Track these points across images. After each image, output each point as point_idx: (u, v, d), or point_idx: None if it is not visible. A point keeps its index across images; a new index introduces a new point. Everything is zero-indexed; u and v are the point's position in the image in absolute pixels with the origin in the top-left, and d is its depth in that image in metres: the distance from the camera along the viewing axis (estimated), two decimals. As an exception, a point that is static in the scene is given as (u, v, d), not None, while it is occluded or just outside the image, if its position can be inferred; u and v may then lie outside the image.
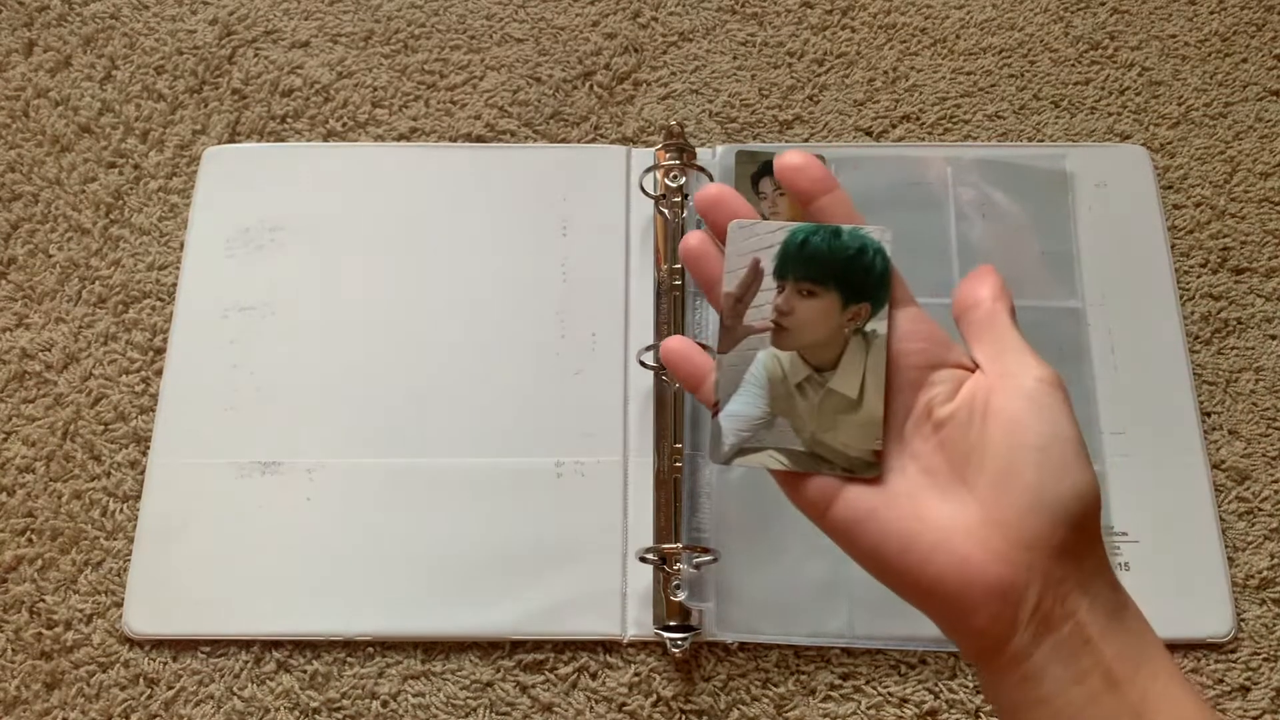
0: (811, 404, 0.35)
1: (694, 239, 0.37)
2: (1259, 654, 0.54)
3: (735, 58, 0.68)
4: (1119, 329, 0.60)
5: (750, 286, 0.36)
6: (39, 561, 0.56)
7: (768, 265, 0.36)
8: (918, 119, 0.66)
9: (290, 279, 0.62)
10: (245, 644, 0.54)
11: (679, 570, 0.53)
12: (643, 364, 0.58)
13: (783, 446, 0.35)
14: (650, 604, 0.55)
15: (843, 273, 0.35)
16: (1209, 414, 0.59)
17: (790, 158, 0.36)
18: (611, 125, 0.66)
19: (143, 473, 0.58)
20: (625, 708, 0.53)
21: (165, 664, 0.54)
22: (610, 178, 0.64)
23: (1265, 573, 0.55)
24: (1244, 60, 0.68)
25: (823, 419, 0.35)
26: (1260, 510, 0.57)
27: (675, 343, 0.37)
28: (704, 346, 0.58)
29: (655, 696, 0.53)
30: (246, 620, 0.55)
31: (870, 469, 0.34)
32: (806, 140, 0.65)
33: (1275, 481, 0.58)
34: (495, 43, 0.69)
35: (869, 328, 0.35)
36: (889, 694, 0.53)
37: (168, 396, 0.59)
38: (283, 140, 0.66)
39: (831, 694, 0.53)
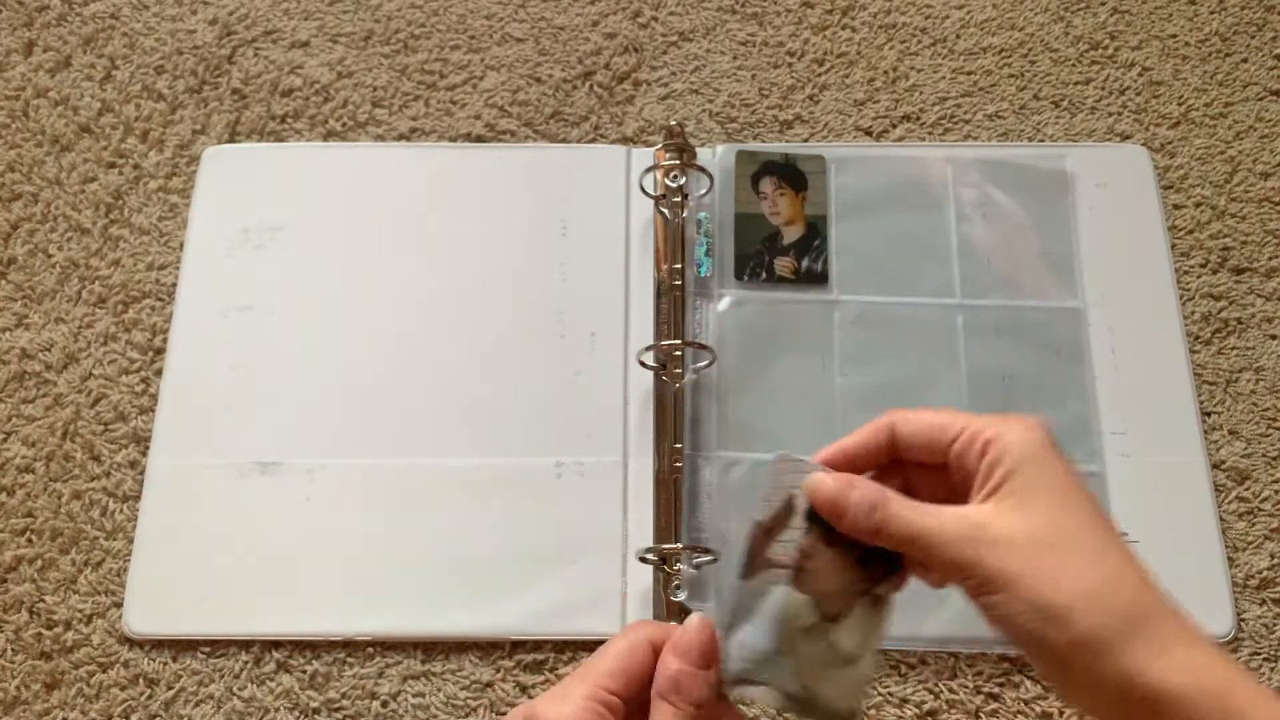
0: (813, 651, 0.35)
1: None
2: (1259, 654, 0.54)
3: (735, 57, 0.68)
4: (1119, 329, 0.60)
5: (782, 521, 0.36)
6: (39, 562, 0.56)
7: (800, 504, 0.36)
8: (918, 119, 0.66)
9: (290, 279, 0.62)
10: (245, 644, 0.54)
11: (679, 570, 0.53)
12: (643, 364, 0.58)
13: (780, 686, 0.35)
14: (650, 604, 0.54)
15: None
16: (1209, 414, 0.59)
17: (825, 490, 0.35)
18: (611, 125, 0.66)
19: (142, 473, 0.58)
20: (625, 708, 0.53)
21: (165, 664, 0.54)
22: (610, 178, 0.64)
23: (1265, 573, 0.55)
24: (1244, 60, 0.68)
25: (818, 669, 0.35)
26: (1260, 510, 0.57)
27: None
28: (702, 346, 0.58)
29: (655, 697, 0.53)
30: (246, 620, 0.55)
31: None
32: (807, 140, 0.65)
33: (1275, 481, 0.58)
34: (495, 43, 0.69)
35: (880, 590, 0.35)
36: (889, 694, 0.53)
37: (167, 396, 0.59)
38: (282, 140, 0.66)
39: (831, 694, 0.53)
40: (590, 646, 0.54)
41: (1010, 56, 0.68)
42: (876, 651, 0.35)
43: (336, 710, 0.53)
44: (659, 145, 0.64)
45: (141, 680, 0.54)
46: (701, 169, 0.62)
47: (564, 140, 0.66)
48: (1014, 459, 0.33)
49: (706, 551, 0.54)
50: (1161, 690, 0.29)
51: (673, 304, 0.59)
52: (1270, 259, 0.63)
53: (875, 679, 0.35)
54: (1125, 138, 0.66)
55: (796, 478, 0.36)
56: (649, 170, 0.62)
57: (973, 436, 0.34)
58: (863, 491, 0.34)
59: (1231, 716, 0.29)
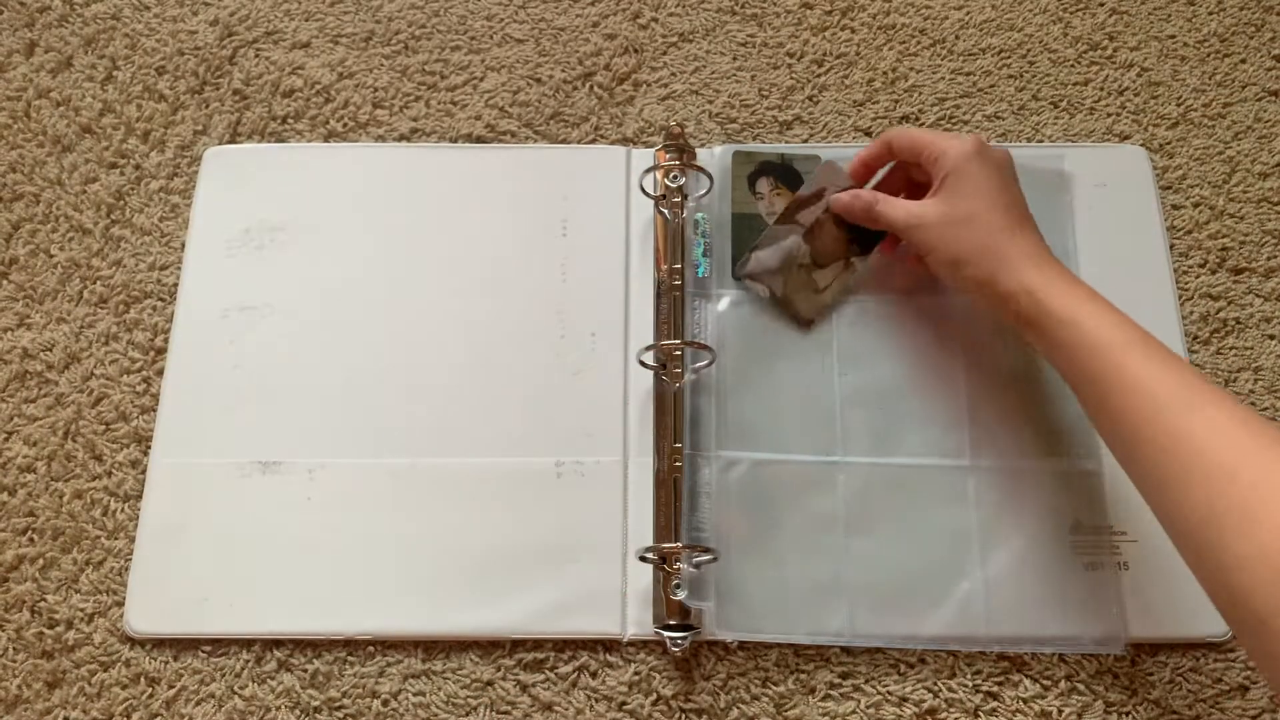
0: (799, 279, 0.59)
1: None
2: (1258, 653, 0.54)
3: (735, 58, 0.68)
4: (1118, 329, 0.60)
5: (813, 201, 0.59)
6: (40, 561, 0.56)
7: (828, 196, 0.58)
8: (917, 119, 0.66)
9: (291, 279, 0.62)
10: (246, 643, 0.55)
11: (679, 569, 0.54)
12: (643, 364, 0.58)
13: (771, 287, 0.59)
14: (650, 603, 0.55)
15: (860, 230, 0.58)
16: (1208, 414, 0.59)
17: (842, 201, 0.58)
18: (611, 126, 0.67)
19: (144, 472, 0.58)
20: (625, 706, 0.53)
21: (166, 663, 0.54)
22: (610, 178, 0.64)
23: (1264, 572, 0.55)
24: (1243, 61, 0.68)
25: (797, 289, 0.59)
26: (1259, 510, 0.57)
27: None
28: (703, 346, 0.58)
29: (655, 695, 0.54)
30: (247, 619, 0.55)
31: (805, 326, 0.59)
32: (806, 140, 0.66)
33: (1274, 481, 0.58)
34: (496, 43, 0.69)
35: (853, 258, 0.59)
36: (888, 693, 0.53)
37: (169, 396, 0.59)
38: (283, 141, 0.66)
39: (831, 693, 0.54)
40: (590, 646, 0.55)
41: (1009, 57, 0.68)
42: (837, 294, 0.59)
43: (337, 709, 0.53)
44: (659, 146, 0.64)
45: (143, 679, 0.54)
46: (701, 169, 0.62)
47: (564, 141, 0.66)
48: (949, 165, 0.52)
49: (706, 551, 0.54)
50: (1010, 291, 0.50)
51: (673, 304, 0.59)
52: (1269, 259, 0.63)
53: (833, 308, 0.59)
54: (1124, 138, 0.66)
55: (831, 179, 0.59)
56: (649, 171, 0.62)
57: (930, 151, 0.53)
58: (864, 198, 0.56)
59: (1038, 302, 0.49)
